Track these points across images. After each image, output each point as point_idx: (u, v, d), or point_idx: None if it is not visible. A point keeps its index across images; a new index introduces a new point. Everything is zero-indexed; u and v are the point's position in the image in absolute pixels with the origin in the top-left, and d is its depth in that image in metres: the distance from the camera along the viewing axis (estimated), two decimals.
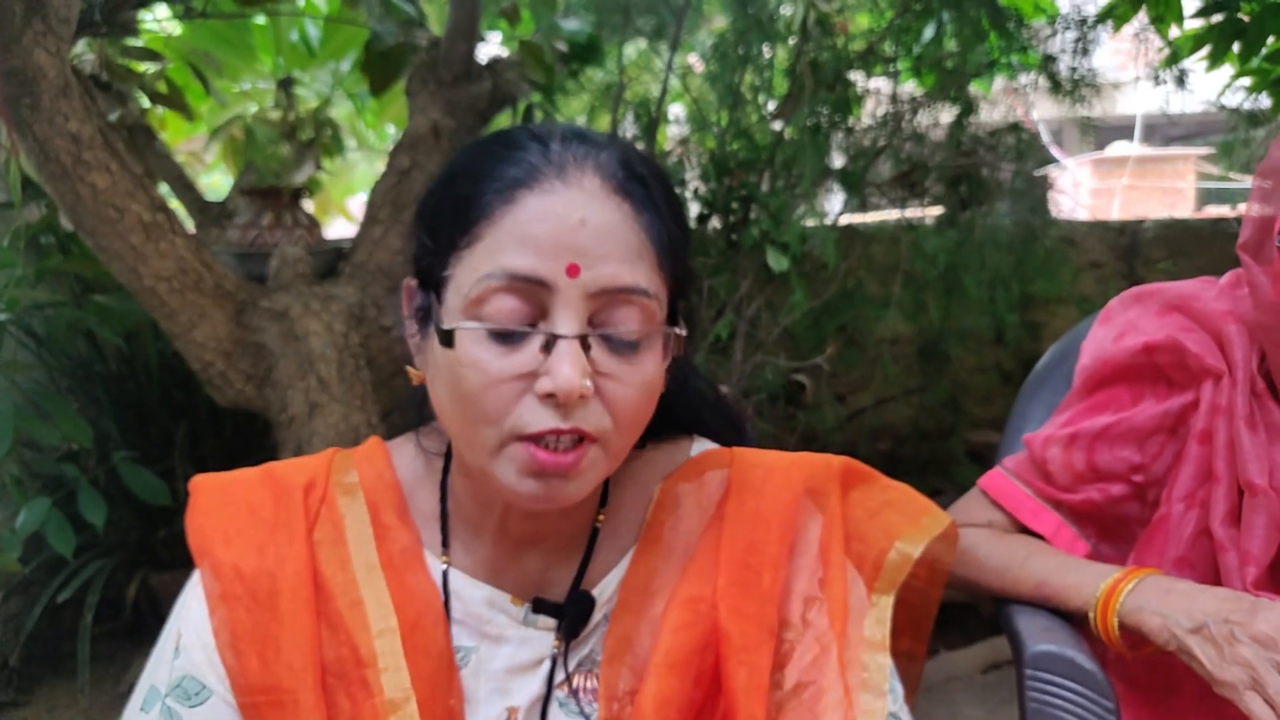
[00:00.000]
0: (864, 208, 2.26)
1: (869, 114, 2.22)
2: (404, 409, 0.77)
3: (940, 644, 2.10)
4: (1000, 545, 0.94)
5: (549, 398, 0.59)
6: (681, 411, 0.75)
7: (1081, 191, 7.61)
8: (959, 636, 2.05)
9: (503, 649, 0.69)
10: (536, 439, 0.59)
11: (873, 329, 1.90)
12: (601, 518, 0.71)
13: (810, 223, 2.03)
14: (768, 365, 1.79)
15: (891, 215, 2.30)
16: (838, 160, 2.20)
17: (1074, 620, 0.88)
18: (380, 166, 2.02)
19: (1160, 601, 0.80)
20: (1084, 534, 0.95)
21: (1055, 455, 0.94)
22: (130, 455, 2.00)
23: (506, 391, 0.59)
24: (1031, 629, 0.87)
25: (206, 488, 0.71)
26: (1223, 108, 2.48)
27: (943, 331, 1.88)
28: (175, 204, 2.38)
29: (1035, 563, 0.91)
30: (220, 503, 0.70)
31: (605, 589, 0.71)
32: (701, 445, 0.77)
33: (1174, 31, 2.36)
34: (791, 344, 2.00)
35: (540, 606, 0.69)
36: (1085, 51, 2.25)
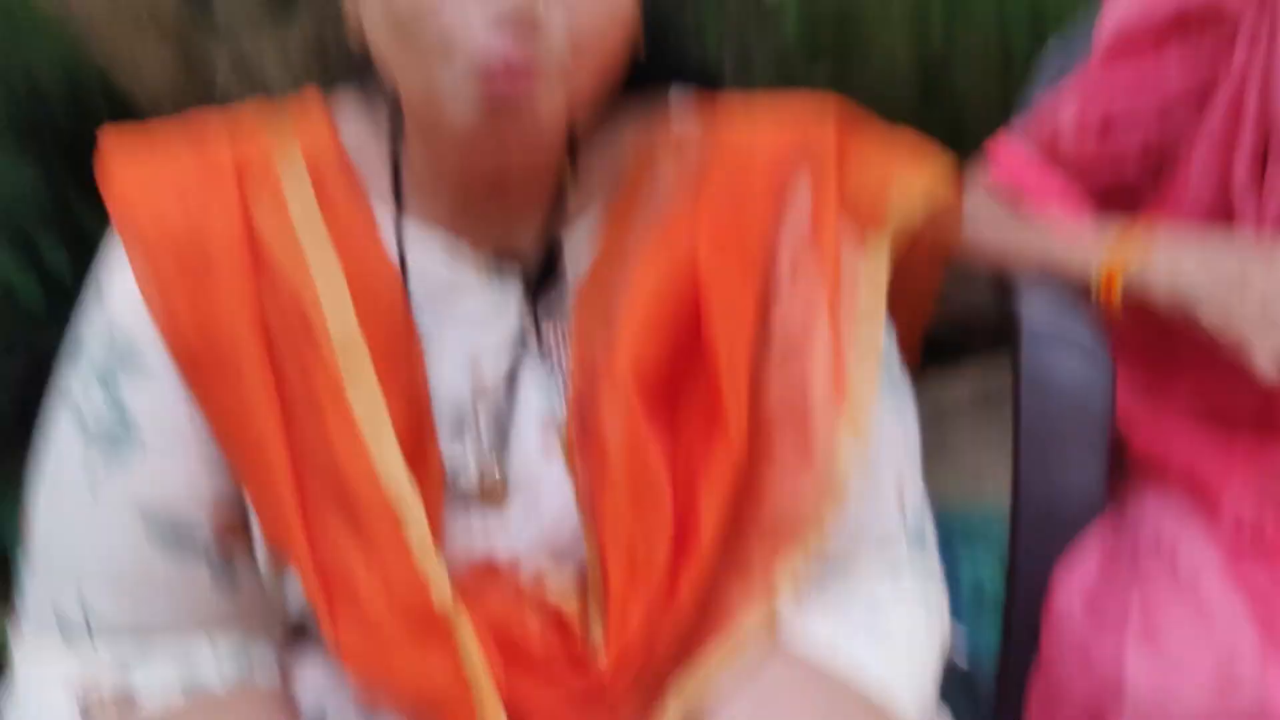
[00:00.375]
0: None
1: None
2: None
3: (929, 369, 2.05)
4: (1003, 213, 0.89)
5: (500, 16, 0.51)
6: (656, 59, 0.67)
7: None
8: (950, 362, 2.03)
9: (466, 310, 0.64)
10: (490, 71, 0.52)
11: (871, 45, 1.78)
12: (570, 172, 0.65)
13: None
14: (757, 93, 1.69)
15: None
16: None
17: (1078, 295, 0.84)
18: None
19: (1168, 259, 0.75)
20: (1091, 205, 0.89)
21: (1067, 128, 0.87)
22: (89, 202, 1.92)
23: (450, 14, 0.52)
24: (1032, 305, 0.84)
25: (122, 143, 0.64)
26: None
27: (946, 48, 1.76)
28: None
29: (1038, 232, 0.85)
30: (139, 158, 0.64)
31: (576, 248, 0.65)
32: (679, 97, 0.69)
33: None
34: (785, 78, 1.89)
35: (505, 255, 0.64)
36: None
